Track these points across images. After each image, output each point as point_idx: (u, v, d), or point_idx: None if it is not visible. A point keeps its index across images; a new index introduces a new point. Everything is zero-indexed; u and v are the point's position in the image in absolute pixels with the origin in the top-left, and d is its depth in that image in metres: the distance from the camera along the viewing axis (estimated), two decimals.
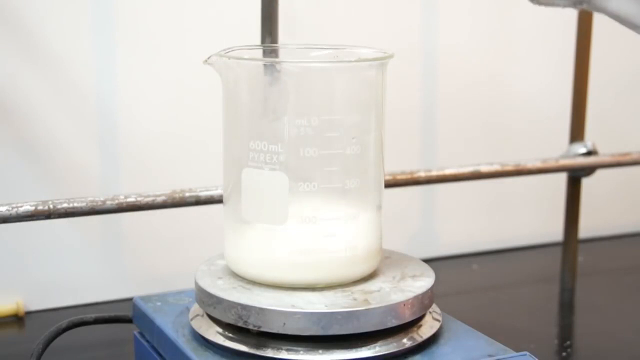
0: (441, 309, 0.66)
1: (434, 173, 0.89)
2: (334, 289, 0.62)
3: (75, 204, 0.75)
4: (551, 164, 0.93)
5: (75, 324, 0.72)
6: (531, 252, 1.11)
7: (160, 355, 0.66)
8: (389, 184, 0.84)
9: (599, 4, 0.54)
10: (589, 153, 0.95)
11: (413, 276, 0.65)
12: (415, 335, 0.61)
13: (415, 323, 0.62)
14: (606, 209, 1.17)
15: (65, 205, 0.74)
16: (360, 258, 0.63)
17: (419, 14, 1.04)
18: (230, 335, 0.61)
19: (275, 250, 0.62)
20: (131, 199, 0.77)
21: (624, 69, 1.15)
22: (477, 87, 1.08)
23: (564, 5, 0.56)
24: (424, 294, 0.62)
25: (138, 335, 0.70)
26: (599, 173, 0.97)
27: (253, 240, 0.62)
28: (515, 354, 0.61)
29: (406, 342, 0.61)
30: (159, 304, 0.69)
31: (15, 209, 0.72)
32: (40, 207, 0.73)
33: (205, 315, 0.63)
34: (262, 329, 0.59)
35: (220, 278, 0.64)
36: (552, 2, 0.56)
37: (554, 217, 1.05)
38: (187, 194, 0.79)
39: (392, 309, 0.60)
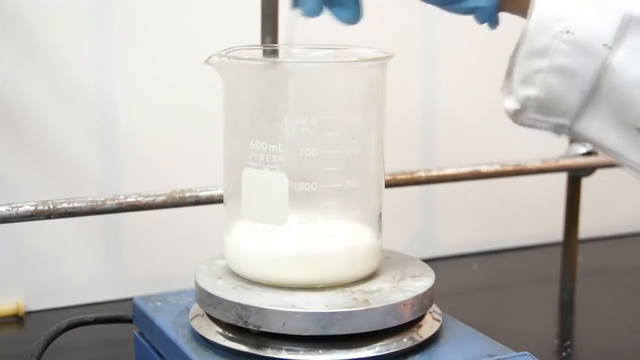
0: (441, 309, 0.66)
1: (434, 173, 0.89)
2: (334, 289, 0.62)
3: (75, 204, 0.75)
4: (551, 164, 0.94)
5: (75, 324, 0.72)
6: (531, 252, 1.11)
7: (160, 355, 0.66)
8: (389, 184, 0.84)
9: (580, 132, 0.54)
10: (589, 153, 0.95)
11: (413, 276, 0.65)
12: (415, 335, 0.61)
13: (415, 323, 0.62)
14: (606, 209, 1.17)
15: (65, 205, 0.74)
16: (360, 258, 0.63)
17: (419, 14, 1.04)
18: (230, 335, 0.61)
19: (275, 250, 0.62)
20: (131, 199, 0.77)
21: None
22: (477, 86, 1.08)
23: (546, 129, 0.56)
24: (424, 294, 0.62)
25: (138, 335, 0.70)
26: (599, 173, 0.97)
27: (253, 240, 0.62)
28: (515, 354, 0.61)
29: (406, 342, 0.61)
30: (159, 304, 0.69)
31: (15, 209, 0.72)
32: (40, 207, 0.73)
33: (205, 315, 0.63)
34: (262, 329, 0.59)
35: (220, 278, 0.64)
36: (534, 125, 0.56)
37: (554, 217, 1.05)
38: (187, 194, 0.79)
39: (392, 309, 0.60)
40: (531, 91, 0.54)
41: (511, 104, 0.56)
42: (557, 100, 0.53)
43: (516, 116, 0.56)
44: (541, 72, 0.53)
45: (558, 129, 0.55)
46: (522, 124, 0.56)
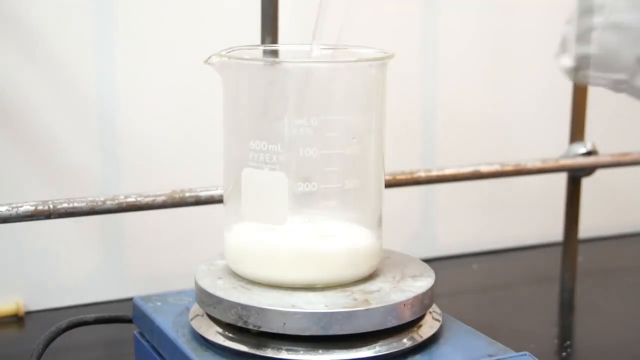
0: (441, 309, 0.66)
1: (434, 173, 0.89)
2: (334, 288, 0.62)
3: (75, 204, 0.75)
4: (551, 164, 0.94)
5: (75, 324, 0.72)
6: (531, 252, 1.11)
7: (160, 355, 0.66)
8: (389, 184, 0.84)
9: None
10: (589, 153, 0.95)
11: (413, 276, 0.65)
12: (415, 335, 0.61)
13: (415, 323, 0.62)
14: (606, 209, 1.17)
15: (65, 205, 0.74)
16: (360, 258, 0.63)
17: (419, 14, 1.04)
18: (230, 335, 0.61)
19: (275, 250, 0.62)
20: (131, 199, 0.77)
21: None
22: (477, 86, 1.08)
23: (604, 86, 0.55)
24: (424, 294, 0.62)
25: (138, 335, 0.70)
26: (599, 173, 0.97)
27: (253, 240, 0.62)
28: (515, 354, 0.61)
29: (406, 342, 0.61)
30: (159, 304, 0.69)
31: (15, 209, 0.72)
32: (40, 207, 0.73)
33: (205, 315, 0.63)
34: (262, 329, 0.59)
35: (220, 278, 0.64)
36: (592, 82, 0.55)
37: (554, 217, 1.05)
38: (187, 194, 0.79)
39: (392, 309, 0.60)
40: (587, 49, 0.53)
41: (567, 61, 0.55)
42: (614, 56, 0.53)
43: (573, 74, 0.55)
44: (597, 29, 0.53)
45: (617, 85, 0.54)
46: (579, 81, 0.56)
